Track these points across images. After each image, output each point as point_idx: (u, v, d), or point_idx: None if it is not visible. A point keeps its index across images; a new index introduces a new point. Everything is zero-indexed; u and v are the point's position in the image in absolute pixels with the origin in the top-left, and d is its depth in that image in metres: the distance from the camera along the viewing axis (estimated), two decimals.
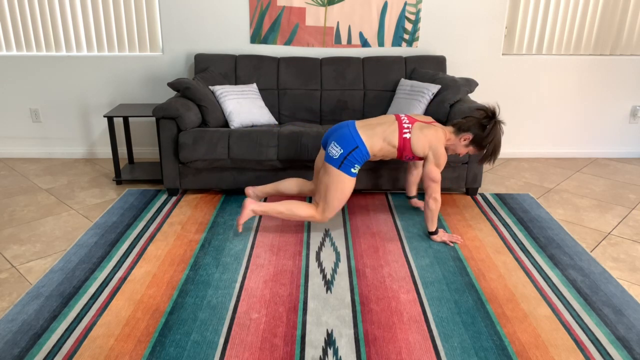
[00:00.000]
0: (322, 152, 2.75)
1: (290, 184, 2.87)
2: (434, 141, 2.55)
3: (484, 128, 2.55)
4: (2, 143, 4.08)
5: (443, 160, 2.56)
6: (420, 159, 2.63)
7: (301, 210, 2.62)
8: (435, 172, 2.56)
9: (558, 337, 1.98)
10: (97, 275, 2.38)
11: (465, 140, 2.60)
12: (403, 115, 2.65)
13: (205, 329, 2.01)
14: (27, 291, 2.25)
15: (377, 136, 2.55)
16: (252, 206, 2.66)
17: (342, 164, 2.51)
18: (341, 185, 2.54)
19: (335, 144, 2.53)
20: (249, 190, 2.96)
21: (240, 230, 2.70)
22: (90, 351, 1.88)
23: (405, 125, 2.57)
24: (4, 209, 3.13)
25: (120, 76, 3.89)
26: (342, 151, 2.51)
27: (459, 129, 2.61)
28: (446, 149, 2.70)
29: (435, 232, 2.71)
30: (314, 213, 2.62)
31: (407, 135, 2.55)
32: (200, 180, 3.21)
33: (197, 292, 2.25)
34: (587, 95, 4.04)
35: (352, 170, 2.54)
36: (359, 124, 2.60)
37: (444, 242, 2.70)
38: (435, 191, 2.59)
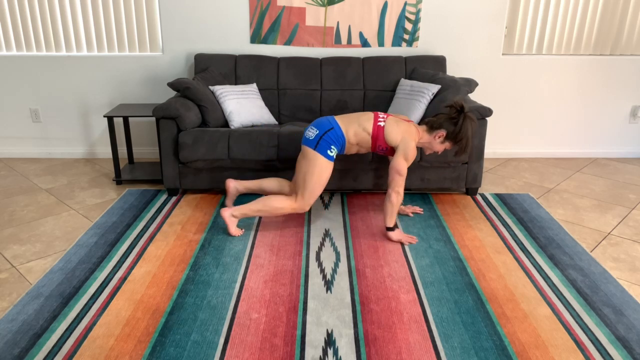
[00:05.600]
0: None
1: (272, 183, 2.91)
2: (406, 134, 2.62)
3: (455, 123, 2.60)
4: (2, 143, 4.08)
5: (412, 153, 2.59)
6: (393, 151, 2.66)
7: (278, 202, 2.64)
8: (402, 164, 2.59)
9: (558, 337, 1.98)
10: (97, 275, 2.38)
11: (439, 137, 2.65)
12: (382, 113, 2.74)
13: (205, 329, 2.01)
14: (27, 291, 2.25)
15: (352, 122, 2.65)
16: (229, 212, 2.71)
17: (318, 144, 2.58)
18: (318, 168, 2.58)
19: (312, 127, 2.64)
20: (231, 182, 2.94)
21: (237, 234, 2.75)
22: (90, 351, 1.88)
23: (381, 117, 2.67)
24: (4, 209, 3.13)
25: (120, 76, 3.89)
26: (317, 132, 2.60)
27: (432, 127, 2.66)
28: (423, 148, 2.77)
29: (393, 229, 2.70)
30: (292, 203, 2.64)
31: (382, 124, 2.63)
32: (200, 180, 3.21)
33: (197, 292, 2.25)
34: (587, 95, 4.04)
35: (329, 152, 2.59)
36: (337, 116, 2.71)
37: (400, 242, 2.69)
38: (398, 185, 2.62)
